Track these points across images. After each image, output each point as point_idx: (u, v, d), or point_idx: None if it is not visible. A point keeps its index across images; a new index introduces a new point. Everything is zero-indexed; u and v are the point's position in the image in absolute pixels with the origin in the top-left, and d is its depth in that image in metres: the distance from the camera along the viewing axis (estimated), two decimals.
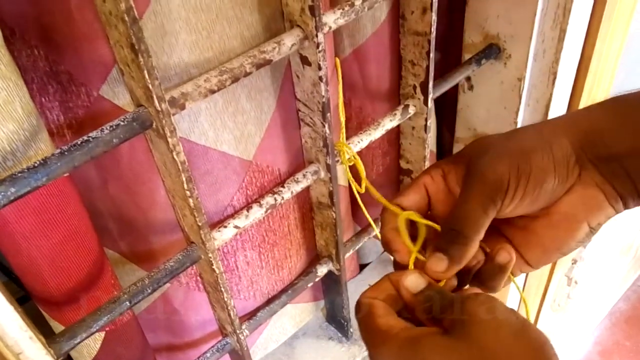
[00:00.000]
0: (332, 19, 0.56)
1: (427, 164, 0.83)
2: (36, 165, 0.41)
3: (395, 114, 0.74)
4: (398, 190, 0.92)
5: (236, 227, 0.62)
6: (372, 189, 0.54)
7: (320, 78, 0.57)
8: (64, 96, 0.49)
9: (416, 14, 0.67)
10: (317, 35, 0.54)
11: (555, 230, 0.44)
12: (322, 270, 0.79)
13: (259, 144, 0.64)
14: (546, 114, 0.84)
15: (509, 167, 0.42)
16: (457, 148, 0.98)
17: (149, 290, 0.55)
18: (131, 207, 0.59)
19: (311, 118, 0.62)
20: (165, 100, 0.45)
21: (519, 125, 0.87)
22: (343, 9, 0.57)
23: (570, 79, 0.85)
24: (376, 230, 0.81)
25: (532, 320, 1.42)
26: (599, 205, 0.43)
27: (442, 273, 0.44)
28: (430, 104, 0.74)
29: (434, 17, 0.65)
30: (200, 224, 0.54)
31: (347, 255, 0.82)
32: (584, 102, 0.88)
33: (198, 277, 0.68)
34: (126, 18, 0.39)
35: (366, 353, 0.44)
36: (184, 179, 0.50)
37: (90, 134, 0.44)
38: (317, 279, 0.80)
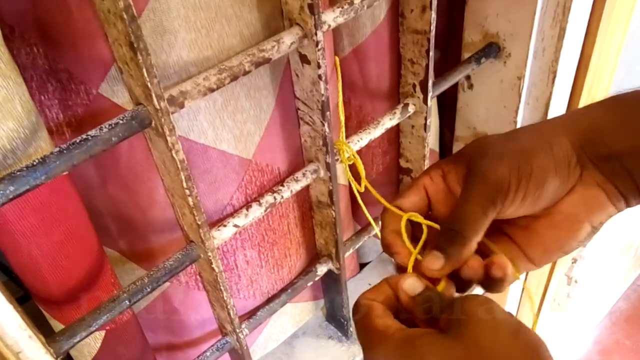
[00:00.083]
0: (331, 18, 0.56)
1: (427, 163, 0.83)
2: (35, 163, 0.41)
3: (395, 113, 0.74)
4: (398, 189, 0.92)
5: (235, 226, 0.62)
6: (372, 189, 0.54)
7: (320, 76, 0.57)
8: (63, 94, 0.49)
9: (415, 12, 0.67)
10: (316, 34, 0.54)
11: (557, 230, 0.44)
12: (321, 269, 0.79)
13: (258, 143, 0.64)
14: (546, 112, 0.84)
15: (510, 168, 0.42)
16: (456, 147, 0.98)
17: (149, 289, 0.55)
18: (130, 206, 0.59)
19: (310, 117, 0.62)
20: (164, 98, 0.45)
21: (518, 124, 0.87)
22: (342, 8, 0.57)
23: (570, 77, 0.85)
24: (376, 229, 0.81)
25: (532, 319, 1.43)
26: (600, 204, 0.43)
27: (438, 271, 0.44)
28: (430, 102, 0.74)
29: (434, 15, 0.65)
30: (199, 223, 0.54)
31: (347, 254, 0.82)
32: (584, 101, 0.88)
33: (197, 276, 0.68)
34: (125, 16, 0.39)
35: None
36: (183, 177, 0.50)
37: (89, 133, 0.43)
38: (316, 278, 0.80)
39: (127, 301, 0.54)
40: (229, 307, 0.64)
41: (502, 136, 0.45)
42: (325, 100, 0.59)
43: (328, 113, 0.60)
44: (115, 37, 0.42)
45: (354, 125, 0.79)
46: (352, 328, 0.89)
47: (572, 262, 1.40)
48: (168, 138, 0.47)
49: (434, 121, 0.87)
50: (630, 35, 0.88)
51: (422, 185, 0.48)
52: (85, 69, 0.48)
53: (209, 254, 0.57)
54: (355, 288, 0.95)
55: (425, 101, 0.74)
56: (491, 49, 0.81)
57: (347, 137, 0.70)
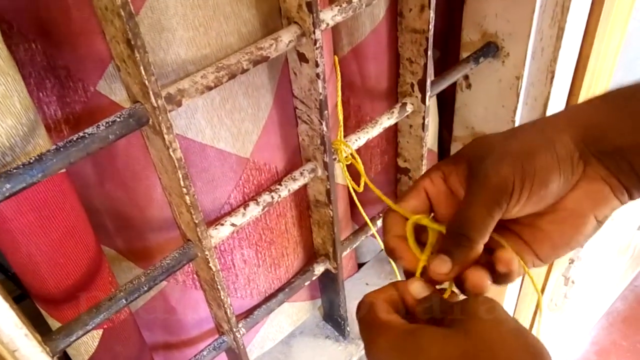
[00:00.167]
0: (329, 16, 0.56)
1: (425, 163, 0.82)
2: (32, 161, 0.41)
3: (393, 112, 0.74)
4: (396, 189, 0.92)
5: (233, 225, 0.62)
6: (375, 188, 0.54)
7: (318, 75, 0.57)
8: (62, 91, 0.49)
9: (414, 11, 0.67)
10: (314, 32, 0.54)
11: (562, 226, 0.44)
12: (319, 268, 0.79)
13: (256, 142, 0.63)
14: (544, 112, 0.84)
15: (513, 168, 0.42)
16: (455, 147, 0.98)
17: (145, 288, 0.55)
18: (128, 204, 0.59)
19: (308, 115, 0.62)
20: (161, 96, 0.45)
21: (517, 124, 0.87)
22: (340, 6, 0.57)
23: (569, 77, 0.85)
24: (373, 230, 0.81)
25: (529, 320, 1.43)
26: (605, 198, 0.43)
27: (445, 275, 0.44)
28: (429, 102, 0.74)
29: (432, 14, 0.65)
30: (196, 222, 0.54)
31: (345, 253, 0.82)
32: (582, 101, 0.88)
33: (195, 275, 0.68)
34: (122, 13, 0.39)
35: (363, 352, 0.44)
36: (180, 176, 0.49)
37: (86, 130, 0.43)
38: (314, 278, 0.79)
39: (124, 300, 0.54)
40: (226, 306, 0.64)
41: (502, 135, 0.45)
42: (323, 99, 0.59)
43: (326, 112, 0.60)
44: (113, 35, 0.42)
45: (353, 125, 0.79)
46: (349, 328, 0.89)
47: (569, 263, 1.40)
48: (165, 136, 0.46)
49: (432, 121, 0.87)
50: (628, 35, 0.88)
51: (422, 188, 0.47)
52: (83, 66, 0.48)
53: (206, 252, 0.57)
54: (352, 288, 0.95)
55: (423, 100, 0.74)
56: (490, 49, 0.81)
57: (345, 136, 0.70)
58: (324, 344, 0.91)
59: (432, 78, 0.76)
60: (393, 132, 0.82)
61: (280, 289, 0.78)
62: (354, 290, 0.94)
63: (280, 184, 0.66)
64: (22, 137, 0.43)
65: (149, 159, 0.54)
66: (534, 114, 0.85)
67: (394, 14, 0.70)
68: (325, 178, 0.67)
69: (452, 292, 0.46)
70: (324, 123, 0.61)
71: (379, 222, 0.83)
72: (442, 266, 0.43)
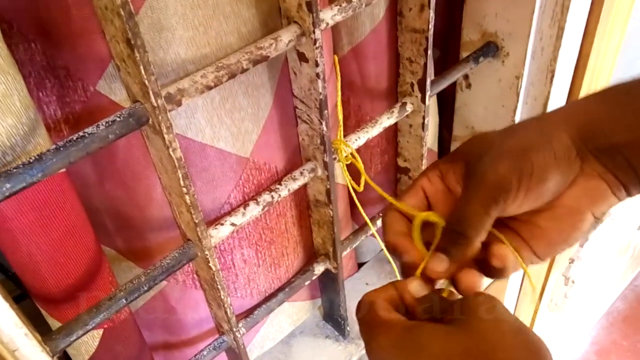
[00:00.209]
0: (329, 15, 0.56)
1: (425, 162, 0.82)
2: (31, 160, 0.41)
3: (393, 112, 0.74)
4: (396, 188, 0.92)
5: (233, 224, 0.62)
6: (376, 186, 0.54)
7: (318, 75, 0.57)
8: (61, 91, 0.49)
9: (414, 11, 0.67)
10: (314, 32, 0.54)
11: (560, 223, 0.44)
12: (319, 268, 0.79)
13: (256, 141, 0.63)
14: (544, 112, 0.84)
15: (511, 167, 0.42)
16: (455, 146, 0.98)
17: (145, 288, 0.55)
18: (128, 204, 0.59)
19: (308, 115, 0.62)
20: (161, 96, 0.45)
21: None
22: (340, 6, 0.57)
23: (569, 76, 0.85)
24: (373, 229, 0.81)
25: (529, 319, 1.43)
26: (602, 195, 0.43)
27: (442, 273, 0.44)
28: (429, 101, 0.74)
29: (432, 14, 0.65)
30: (196, 221, 0.54)
31: (345, 253, 0.82)
32: (580, 98, 0.88)
33: (195, 275, 0.68)
34: (122, 13, 0.39)
35: (363, 352, 0.44)
36: (180, 175, 0.49)
37: (86, 130, 0.43)
38: (314, 277, 0.79)
39: (124, 299, 0.54)
40: (226, 305, 0.64)
41: (499, 133, 0.45)
42: (323, 99, 0.59)
43: (326, 111, 0.60)
44: (113, 34, 0.42)
45: (353, 125, 0.79)
46: (350, 327, 0.89)
47: (570, 263, 1.40)
48: (165, 136, 0.46)
49: (432, 120, 0.87)
50: (628, 35, 0.88)
51: (420, 187, 0.47)
52: (83, 66, 0.48)
53: (206, 252, 0.57)
54: (352, 287, 0.95)
55: (423, 100, 0.74)
56: (489, 48, 0.81)
57: (345, 136, 0.70)
58: (324, 343, 0.91)
59: (432, 78, 0.76)
60: (393, 132, 0.82)
61: (280, 289, 0.78)
62: (354, 290, 0.94)
63: (280, 184, 0.66)
64: (23, 137, 0.43)
65: (148, 158, 0.54)
66: (534, 113, 0.85)
67: (394, 14, 0.70)
68: (325, 178, 0.67)
69: (451, 291, 0.46)
70: (323, 123, 0.61)
71: (379, 222, 0.83)
72: (439, 264, 0.44)
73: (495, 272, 0.44)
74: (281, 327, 0.90)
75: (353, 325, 0.89)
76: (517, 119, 0.86)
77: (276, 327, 0.88)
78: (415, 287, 0.44)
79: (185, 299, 0.70)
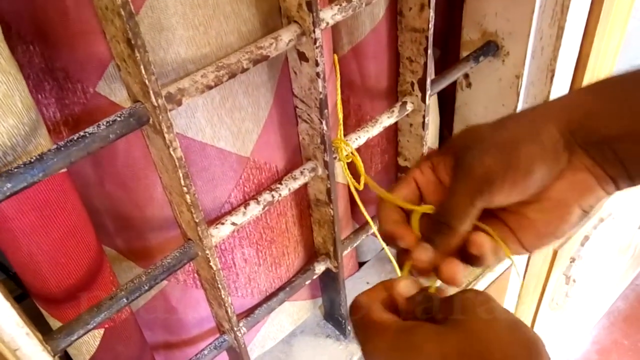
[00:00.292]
0: (329, 15, 0.56)
1: None
2: (32, 160, 0.41)
3: (393, 111, 0.74)
4: None
5: (233, 224, 0.62)
6: (373, 183, 0.54)
7: (318, 74, 0.57)
8: (60, 93, 0.49)
9: (414, 10, 0.67)
10: (314, 31, 0.54)
11: (547, 215, 0.44)
12: (319, 267, 0.79)
13: (256, 141, 0.64)
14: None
15: (497, 159, 0.42)
16: None
17: (146, 287, 0.55)
18: (128, 203, 0.59)
19: (308, 114, 0.62)
20: (161, 95, 0.45)
21: None
22: (340, 5, 0.57)
23: (568, 76, 0.85)
24: (374, 228, 0.81)
25: (531, 317, 1.43)
26: (589, 188, 0.43)
27: (427, 263, 0.44)
28: (429, 101, 0.74)
29: (432, 13, 0.65)
30: (197, 221, 0.54)
31: (345, 252, 0.82)
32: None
33: (195, 274, 0.68)
34: (122, 13, 0.39)
35: None
36: (180, 175, 0.50)
37: (87, 130, 0.43)
38: (314, 277, 0.79)
39: (124, 299, 0.54)
40: (226, 305, 0.64)
41: (489, 126, 0.45)
42: (323, 98, 0.59)
43: (326, 111, 0.60)
44: (113, 34, 0.42)
45: (354, 124, 0.79)
46: (350, 327, 0.90)
47: (571, 262, 1.40)
48: (166, 135, 0.47)
49: (433, 120, 0.87)
50: (628, 34, 0.89)
51: (412, 178, 0.48)
52: (83, 68, 0.48)
53: (207, 251, 0.57)
54: (353, 286, 0.95)
55: (423, 99, 0.74)
56: (490, 48, 0.81)
57: (345, 135, 0.70)
58: (324, 343, 0.91)
59: (432, 77, 0.76)
60: (393, 131, 0.83)
61: (281, 288, 0.79)
62: (355, 289, 0.94)
63: (280, 183, 0.66)
64: (24, 137, 0.43)
65: (149, 158, 0.54)
66: None
67: (394, 13, 0.70)
68: (326, 177, 0.67)
69: (438, 287, 0.46)
70: (324, 122, 0.61)
71: None
72: (424, 253, 0.44)
73: (474, 260, 0.45)
74: (282, 327, 0.90)
75: None
76: None
77: (277, 326, 0.89)
78: (404, 287, 0.44)
79: (186, 299, 0.70)
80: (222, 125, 0.59)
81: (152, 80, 0.43)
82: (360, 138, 0.71)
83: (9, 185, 0.40)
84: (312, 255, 0.84)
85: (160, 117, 0.45)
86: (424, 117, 0.75)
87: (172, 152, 0.48)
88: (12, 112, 0.42)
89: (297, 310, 0.91)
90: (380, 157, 0.85)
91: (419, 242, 0.45)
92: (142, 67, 0.42)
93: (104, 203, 0.58)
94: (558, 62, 0.79)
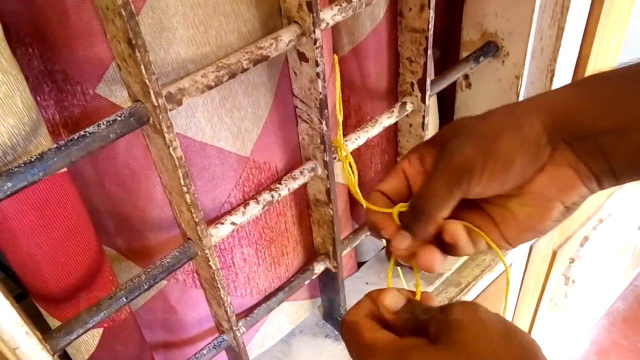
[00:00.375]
0: (329, 15, 0.56)
1: None
2: (33, 160, 0.41)
3: (393, 111, 0.74)
4: None
5: (233, 223, 0.62)
6: (357, 194, 0.54)
7: (318, 74, 0.57)
8: (59, 95, 0.49)
9: (414, 10, 0.67)
10: (314, 32, 0.54)
11: (529, 209, 0.44)
12: (319, 267, 0.79)
13: (256, 141, 0.64)
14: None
15: (477, 149, 0.42)
16: None
17: (146, 287, 0.55)
18: (128, 203, 0.59)
19: (308, 115, 0.62)
20: (162, 95, 0.45)
21: None
22: (340, 6, 0.57)
23: (568, 76, 0.85)
24: None
25: (530, 317, 1.43)
26: (571, 184, 0.43)
27: (406, 250, 0.45)
28: (429, 101, 0.74)
29: (432, 14, 0.66)
30: (197, 220, 0.54)
31: (344, 252, 0.82)
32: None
33: (195, 274, 0.68)
34: (123, 13, 0.39)
35: None
36: (180, 174, 0.50)
37: (87, 129, 0.44)
38: (314, 277, 0.80)
39: (124, 298, 0.54)
40: (226, 305, 0.64)
41: (475, 117, 0.46)
42: (323, 98, 0.59)
43: (326, 111, 0.60)
44: (114, 34, 0.42)
45: (354, 124, 0.79)
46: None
47: (570, 262, 1.40)
48: (166, 135, 0.47)
49: (432, 120, 0.87)
50: (628, 35, 0.89)
51: (401, 169, 0.48)
52: (82, 70, 0.48)
53: (206, 251, 0.57)
54: (352, 287, 0.95)
55: (423, 100, 0.74)
56: (489, 48, 0.81)
57: (345, 135, 0.70)
58: (323, 343, 0.91)
59: (432, 77, 0.76)
60: (393, 132, 0.83)
61: (280, 288, 0.79)
62: (354, 290, 0.94)
63: (280, 183, 0.66)
64: (24, 137, 0.43)
65: (149, 158, 0.54)
66: None
67: (394, 14, 0.70)
68: (325, 177, 0.67)
69: (427, 293, 0.47)
70: (324, 122, 0.61)
71: None
72: (402, 242, 0.45)
73: (448, 248, 0.45)
74: (281, 326, 0.90)
75: None
76: None
77: (276, 326, 0.89)
78: (390, 300, 0.45)
79: (185, 298, 0.70)
80: (222, 125, 0.59)
81: (152, 80, 0.43)
82: (359, 138, 0.71)
83: (9, 184, 0.40)
84: (311, 255, 0.84)
85: (161, 116, 0.46)
86: (423, 117, 0.75)
87: (172, 152, 0.48)
88: (12, 112, 0.42)
89: (296, 310, 0.91)
90: (380, 157, 0.86)
91: (398, 230, 0.45)
92: (142, 66, 0.42)
93: (104, 203, 0.58)
94: (558, 62, 0.79)
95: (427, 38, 0.68)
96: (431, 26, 0.67)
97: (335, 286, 0.83)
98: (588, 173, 0.43)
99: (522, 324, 1.42)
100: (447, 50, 0.92)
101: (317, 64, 0.56)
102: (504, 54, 0.82)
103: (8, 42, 0.43)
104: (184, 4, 0.49)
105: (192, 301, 0.71)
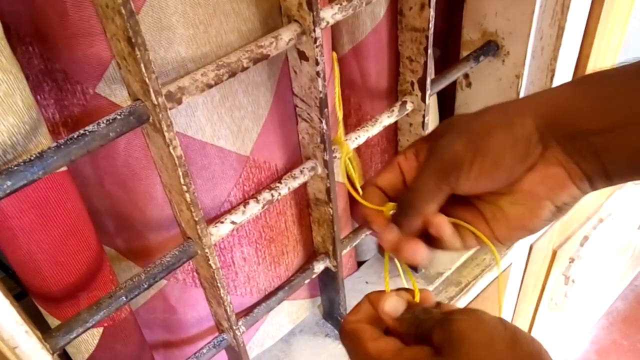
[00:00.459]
0: (329, 14, 0.56)
1: None
2: (32, 158, 0.41)
3: (393, 111, 0.74)
4: None
5: (233, 222, 0.62)
6: (354, 193, 0.54)
7: (318, 73, 0.57)
8: (59, 94, 0.49)
9: (414, 10, 0.67)
10: (314, 30, 0.54)
11: (519, 207, 0.44)
12: (318, 267, 0.79)
13: (256, 140, 0.64)
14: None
15: (467, 146, 0.43)
16: None
17: (145, 286, 0.55)
18: (128, 203, 0.59)
19: (308, 114, 0.62)
20: (162, 94, 0.45)
21: None
22: (341, 4, 0.57)
23: (569, 76, 0.85)
24: None
25: (530, 317, 1.43)
26: (561, 184, 0.43)
27: (394, 242, 0.45)
28: (429, 100, 0.74)
29: (432, 13, 0.65)
30: (196, 219, 0.54)
31: (344, 252, 0.82)
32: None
33: (195, 273, 0.68)
34: (123, 11, 0.39)
35: None
36: (180, 173, 0.50)
37: (87, 128, 0.43)
38: (313, 276, 0.80)
39: (124, 297, 0.54)
40: (225, 304, 0.64)
41: (470, 115, 0.46)
42: (323, 97, 0.59)
43: (326, 110, 0.60)
44: (114, 32, 0.42)
45: (354, 123, 0.79)
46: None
47: (570, 262, 1.40)
48: (166, 134, 0.47)
49: (433, 119, 0.87)
50: (628, 34, 0.89)
51: (396, 164, 0.49)
52: (82, 69, 0.48)
53: (206, 250, 0.57)
54: (352, 286, 0.95)
55: (423, 99, 0.74)
56: (490, 47, 0.81)
57: (345, 134, 0.70)
58: (323, 342, 0.91)
59: (432, 76, 0.76)
60: (393, 131, 0.83)
61: (280, 287, 0.79)
62: (354, 289, 0.94)
63: (280, 182, 0.66)
64: (24, 136, 0.43)
65: (149, 157, 0.54)
66: None
67: (394, 13, 0.70)
68: (325, 176, 0.67)
69: (426, 292, 0.47)
70: (324, 121, 0.61)
71: None
72: (390, 234, 0.45)
73: (434, 242, 0.46)
74: (281, 326, 0.90)
75: None
76: None
77: (276, 325, 0.89)
78: (390, 307, 0.45)
79: (185, 298, 0.70)
80: (222, 124, 0.59)
81: (152, 78, 0.43)
82: (360, 137, 0.71)
83: (8, 182, 0.40)
84: (311, 254, 0.84)
85: (160, 115, 0.45)
86: (423, 116, 0.75)
87: (171, 151, 0.48)
88: (12, 110, 0.42)
89: (296, 309, 0.91)
90: (380, 157, 0.85)
91: (388, 224, 0.46)
92: (142, 65, 0.42)
93: (104, 202, 0.58)
94: (558, 62, 0.79)
95: (427, 37, 0.67)
96: (431, 25, 0.67)
97: (335, 285, 0.83)
98: (580, 173, 0.42)
99: (522, 324, 1.42)
100: (448, 49, 0.92)
101: (317, 63, 0.56)
102: (504, 53, 0.82)
103: (8, 40, 0.43)
104: (184, 3, 0.49)
105: (192, 300, 0.71)
